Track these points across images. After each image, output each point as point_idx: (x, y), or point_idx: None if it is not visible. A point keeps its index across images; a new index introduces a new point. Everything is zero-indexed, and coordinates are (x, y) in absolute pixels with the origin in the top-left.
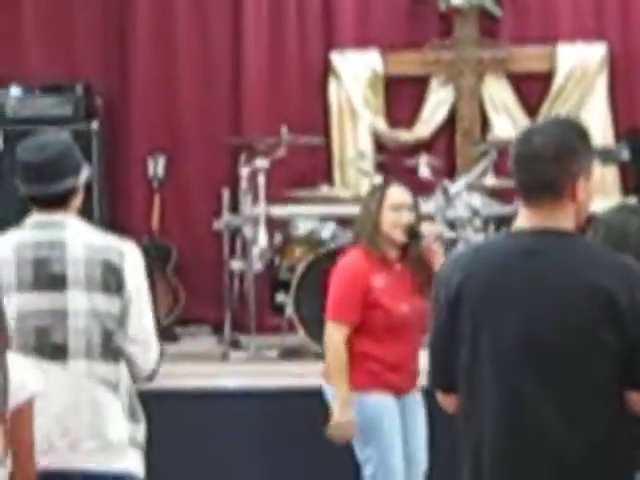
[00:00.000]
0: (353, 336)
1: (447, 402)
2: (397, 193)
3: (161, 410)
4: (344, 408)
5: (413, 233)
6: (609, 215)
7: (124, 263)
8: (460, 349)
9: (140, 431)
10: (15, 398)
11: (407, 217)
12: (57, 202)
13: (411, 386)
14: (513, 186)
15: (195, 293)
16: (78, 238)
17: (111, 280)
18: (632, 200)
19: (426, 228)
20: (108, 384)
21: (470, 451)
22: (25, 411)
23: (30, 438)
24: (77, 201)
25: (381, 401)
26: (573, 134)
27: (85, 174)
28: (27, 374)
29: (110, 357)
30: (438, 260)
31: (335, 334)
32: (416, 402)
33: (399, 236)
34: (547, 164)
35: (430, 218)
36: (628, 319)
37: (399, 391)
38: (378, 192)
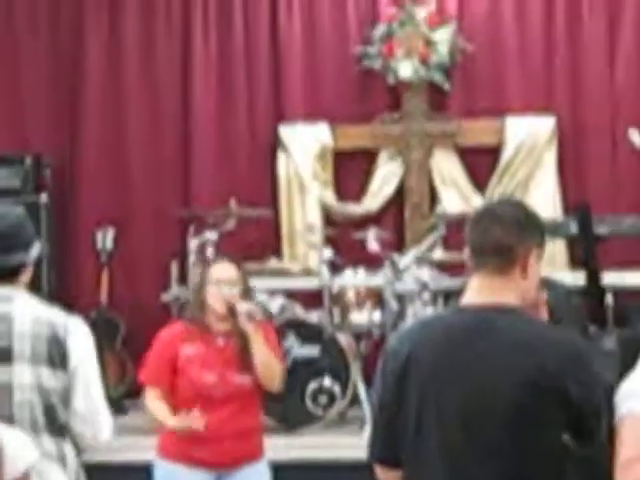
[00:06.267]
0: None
1: (385, 477)
2: (218, 269)
3: None
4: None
5: (231, 309)
6: None
7: (69, 338)
8: (406, 422)
9: None
10: (12, 472)
11: (226, 292)
12: (5, 275)
13: (233, 462)
14: (462, 259)
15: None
16: (25, 312)
17: (55, 355)
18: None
19: (240, 306)
20: (53, 458)
21: None
22: None
23: None
24: (26, 276)
25: (169, 473)
26: (532, 215)
27: (36, 250)
28: (20, 446)
29: (55, 432)
30: (256, 341)
31: (147, 396)
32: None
33: (219, 309)
34: (507, 229)
35: (374, 293)
36: (573, 397)
37: (213, 466)
38: (203, 269)
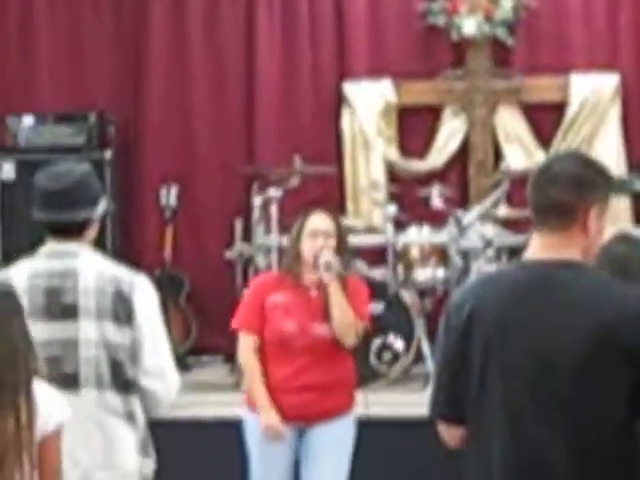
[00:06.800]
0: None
1: (448, 434)
2: (315, 220)
3: (173, 440)
4: (268, 412)
5: (316, 260)
6: (610, 246)
7: (134, 294)
8: (469, 378)
9: (149, 466)
10: (42, 429)
11: (321, 243)
12: (71, 231)
13: (316, 415)
14: (526, 216)
15: (207, 323)
16: (90, 268)
17: (121, 311)
18: (631, 229)
19: (322, 257)
20: (120, 415)
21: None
22: (53, 441)
23: (59, 469)
24: (92, 232)
25: (252, 424)
26: (592, 167)
27: (102, 207)
28: (53, 403)
29: (121, 388)
30: (332, 291)
31: (241, 343)
32: (321, 436)
33: (308, 259)
34: (562, 189)
35: (439, 250)
36: (637, 352)
37: (293, 418)
38: (300, 219)
